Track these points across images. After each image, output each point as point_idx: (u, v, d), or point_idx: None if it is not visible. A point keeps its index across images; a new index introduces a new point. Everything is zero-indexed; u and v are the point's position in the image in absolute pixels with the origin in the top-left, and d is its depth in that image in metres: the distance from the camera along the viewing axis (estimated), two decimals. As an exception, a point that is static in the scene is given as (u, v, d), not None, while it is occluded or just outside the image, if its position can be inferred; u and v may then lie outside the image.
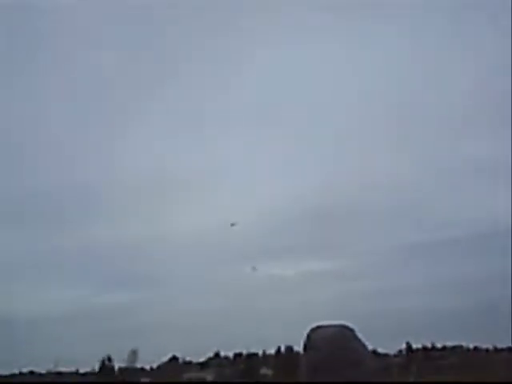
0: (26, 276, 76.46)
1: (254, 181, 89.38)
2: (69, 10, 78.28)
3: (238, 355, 78.79)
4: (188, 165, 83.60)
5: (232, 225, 51.65)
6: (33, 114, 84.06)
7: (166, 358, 78.07)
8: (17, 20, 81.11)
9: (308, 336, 1.66)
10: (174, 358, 78.71)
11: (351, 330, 1.66)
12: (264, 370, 71.55)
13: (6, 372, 72.37)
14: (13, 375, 74.37)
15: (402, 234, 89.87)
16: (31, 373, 77.25)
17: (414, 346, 75.63)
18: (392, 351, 73.95)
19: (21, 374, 76.36)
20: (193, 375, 71.88)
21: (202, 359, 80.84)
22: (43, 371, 75.08)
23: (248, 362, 73.72)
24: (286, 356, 72.65)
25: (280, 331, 72.25)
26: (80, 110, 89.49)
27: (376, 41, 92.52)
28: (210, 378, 71.26)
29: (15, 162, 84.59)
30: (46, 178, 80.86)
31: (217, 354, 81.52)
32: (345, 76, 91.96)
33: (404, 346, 75.50)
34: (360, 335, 1.61)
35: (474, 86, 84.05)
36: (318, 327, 1.65)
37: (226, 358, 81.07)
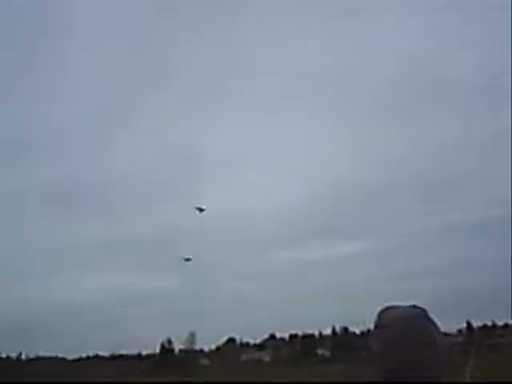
0: (83, 264, 79.44)
1: (282, 164, 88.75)
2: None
3: (293, 336, 79.38)
4: (217, 150, 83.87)
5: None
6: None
7: (223, 340, 79.75)
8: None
9: (379, 316, 1.67)
10: (231, 340, 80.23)
11: (423, 310, 1.67)
12: (321, 351, 71.87)
13: (71, 356, 75.98)
14: (79, 359, 77.88)
15: (441, 212, 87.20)
16: (95, 356, 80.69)
17: (475, 325, 74.04)
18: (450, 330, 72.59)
19: (87, 358, 79.91)
20: (250, 356, 73.08)
21: (258, 341, 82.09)
22: (107, 354, 78.47)
23: (304, 342, 74.21)
24: (341, 336, 72.70)
25: (331, 312, 72.19)
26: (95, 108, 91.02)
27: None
28: (266, 359, 72.26)
29: (62, 156, 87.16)
30: (90, 170, 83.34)
31: (273, 336, 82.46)
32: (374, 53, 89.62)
33: (464, 324, 73.98)
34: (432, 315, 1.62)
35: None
36: (389, 307, 1.66)
37: (282, 339, 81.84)
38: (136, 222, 76.97)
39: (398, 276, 76.04)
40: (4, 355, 66.80)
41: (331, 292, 75.64)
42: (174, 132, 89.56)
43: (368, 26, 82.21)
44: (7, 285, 78.42)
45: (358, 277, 76.94)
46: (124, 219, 78.01)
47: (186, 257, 51.42)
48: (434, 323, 1.62)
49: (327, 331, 76.18)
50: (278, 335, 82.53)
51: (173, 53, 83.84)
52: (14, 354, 68.86)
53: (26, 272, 79.08)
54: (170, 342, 72.21)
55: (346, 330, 73.57)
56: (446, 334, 67.33)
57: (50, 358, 70.78)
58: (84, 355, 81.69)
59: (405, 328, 1.56)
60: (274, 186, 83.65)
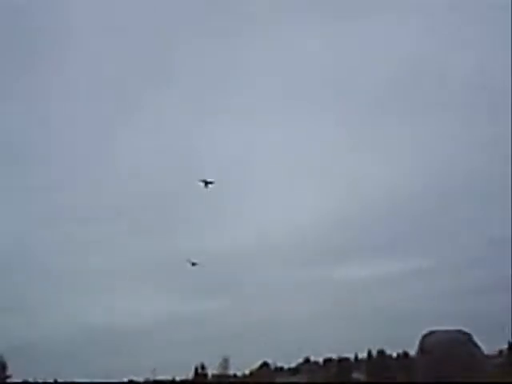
0: (117, 287, 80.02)
1: (321, 178, 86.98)
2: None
3: (328, 360, 78.03)
4: (245, 167, 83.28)
5: (193, 264, 50.75)
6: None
7: (257, 365, 78.87)
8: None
9: (422, 340, 1.70)
10: (265, 364, 79.33)
11: (467, 335, 1.69)
12: (356, 374, 70.36)
13: (106, 381, 76.04)
14: (113, 384, 77.85)
15: (490, 227, 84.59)
16: (131, 382, 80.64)
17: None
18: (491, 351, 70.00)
19: (121, 383, 79.89)
20: (284, 381, 72.00)
21: (293, 365, 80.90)
22: (142, 380, 78.29)
23: (339, 366, 72.83)
24: (377, 359, 71.07)
25: (368, 334, 70.59)
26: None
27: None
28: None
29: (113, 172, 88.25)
30: (133, 189, 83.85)
31: (307, 360, 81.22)
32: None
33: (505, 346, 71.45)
34: (476, 339, 1.64)
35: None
36: (432, 332, 1.69)
37: (317, 363, 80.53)
38: (166, 243, 77.25)
39: (439, 295, 74.04)
40: (40, 380, 67.39)
41: (368, 313, 73.88)
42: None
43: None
44: (45, 308, 79.51)
45: (397, 296, 74.95)
46: (155, 241, 78.51)
47: (193, 261, 51.40)
48: (478, 347, 1.65)
49: (363, 354, 74.70)
50: (312, 359, 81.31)
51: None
52: (50, 380, 69.43)
53: (60, 295, 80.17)
54: (203, 367, 71.90)
55: (382, 352, 71.93)
56: (486, 356, 64.85)
57: (85, 384, 70.87)
58: (119, 380, 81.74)
59: (448, 354, 1.59)
60: (301, 199, 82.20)
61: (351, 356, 76.71)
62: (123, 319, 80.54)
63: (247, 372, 79.29)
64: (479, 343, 1.69)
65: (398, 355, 69.64)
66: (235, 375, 77.46)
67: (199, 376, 71.51)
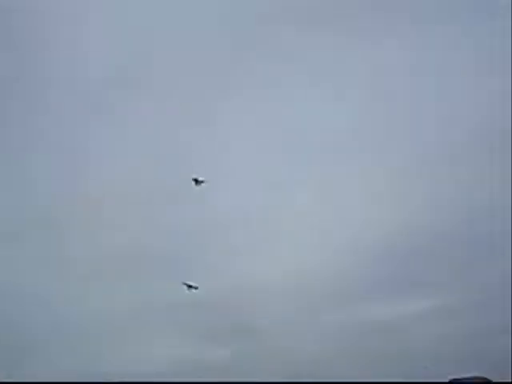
0: (128, 333, 76.29)
1: (335, 216, 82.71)
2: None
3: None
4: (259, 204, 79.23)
5: (189, 287, 47.91)
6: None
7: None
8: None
9: None
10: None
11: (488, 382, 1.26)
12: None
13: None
14: None
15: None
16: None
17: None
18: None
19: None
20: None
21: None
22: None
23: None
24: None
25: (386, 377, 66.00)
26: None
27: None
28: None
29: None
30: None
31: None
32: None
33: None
34: None
35: None
36: (456, 380, 1.24)
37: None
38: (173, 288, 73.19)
39: (461, 335, 69.23)
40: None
41: (388, 357, 69.15)
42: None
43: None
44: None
45: (418, 338, 70.02)
46: (163, 279, 74.43)
47: (189, 283, 48.68)
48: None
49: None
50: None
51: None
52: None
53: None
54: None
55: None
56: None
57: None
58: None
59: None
60: (321, 237, 77.94)
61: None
62: (133, 367, 76.14)
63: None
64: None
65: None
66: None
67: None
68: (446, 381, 54.59)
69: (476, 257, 71.29)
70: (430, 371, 54.86)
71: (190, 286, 48.98)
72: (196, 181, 43.80)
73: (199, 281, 63.00)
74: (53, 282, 73.26)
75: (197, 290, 51.01)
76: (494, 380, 54.37)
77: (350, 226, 78.22)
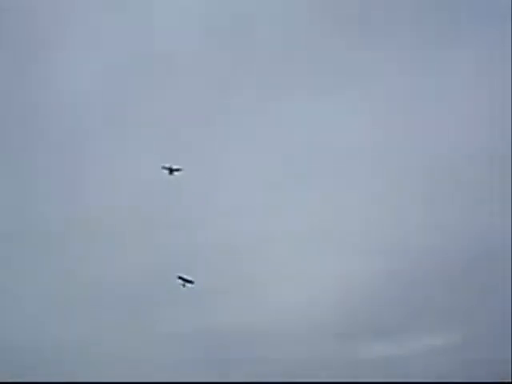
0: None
1: (343, 251, 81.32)
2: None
3: None
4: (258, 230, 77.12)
5: (184, 281, 47.53)
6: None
7: None
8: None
9: None
10: None
11: None
12: None
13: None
14: None
15: None
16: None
17: None
18: None
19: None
20: None
21: None
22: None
23: None
24: None
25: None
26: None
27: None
28: None
29: None
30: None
31: None
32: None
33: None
34: None
35: None
36: None
37: None
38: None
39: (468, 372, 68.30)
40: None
41: None
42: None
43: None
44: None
45: (423, 375, 69.09)
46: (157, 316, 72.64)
47: (184, 277, 48.17)
48: None
49: None
50: None
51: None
52: None
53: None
54: None
55: None
56: None
57: None
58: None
59: None
60: (321, 275, 76.55)
61: None
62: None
63: None
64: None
65: None
66: None
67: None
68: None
69: (483, 286, 70.26)
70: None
71: (185, 281, 48.44)
72: (170, 170, 43.86)
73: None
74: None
75: (193, 285, 50.39)
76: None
77: (350, 265, 76.75)
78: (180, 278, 48.41)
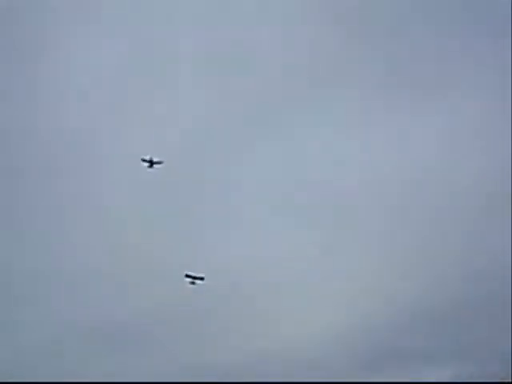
0: None
1: (352, 282, 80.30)
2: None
3: None
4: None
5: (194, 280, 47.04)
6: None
7: None
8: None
9: None
10: None
11: None
12: None
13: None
14: None
15: None
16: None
17: None
18: None
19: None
20: None
21: None
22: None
23: None
24: None
25: None
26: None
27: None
28: None
29: None
30: None
31: None
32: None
33: None
34: None
35: None
36: None
37: None
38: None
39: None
40: None
41: None
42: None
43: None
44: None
45: None
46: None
47: (193, 274, 46.90)
48: None
49: None
50: None
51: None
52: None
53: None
54: None
55: None
56: None
57: None
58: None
59: None
60: (330, 306, 75.62)
61: None
62: None
63: None
64: None
65: None
66: None
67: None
68: None
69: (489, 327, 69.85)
70: None
71: (194, 278, 47.56)
72: (150, 162, 44.27)
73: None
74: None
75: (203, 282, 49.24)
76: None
77: (359, 293, 75.83)
78: (188, 276, 46.80)
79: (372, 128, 77.35)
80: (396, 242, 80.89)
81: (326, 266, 79.70)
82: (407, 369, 74.47)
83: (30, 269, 66.19)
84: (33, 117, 78.09)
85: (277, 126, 77.23)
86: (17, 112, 77.92)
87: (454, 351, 74.70)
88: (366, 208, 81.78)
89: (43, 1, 78.14)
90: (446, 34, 78.27)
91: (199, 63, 76.32)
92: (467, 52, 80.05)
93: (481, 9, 77.73)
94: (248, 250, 73.44)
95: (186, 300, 58.68)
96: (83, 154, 72.49)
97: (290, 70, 79.46)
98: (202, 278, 48.05)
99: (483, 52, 78.67)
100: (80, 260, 69.28)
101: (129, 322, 63.35)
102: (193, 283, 47.62)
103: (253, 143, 75.71)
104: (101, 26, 77.10)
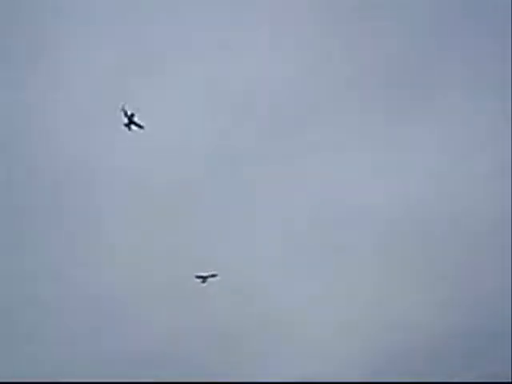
0: None
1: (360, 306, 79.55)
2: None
3: None
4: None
5: (203, 278, 46.41)
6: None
7: None
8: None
9: None
10: None
11: None
12: None
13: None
14: None
15: None
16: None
17: None
18: None
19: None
20: None
21: None
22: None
23: None
24: None
25: None
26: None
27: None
28: None
29: None
30: None
31: None
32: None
33: None
34: None
35: None
36: None
37: None
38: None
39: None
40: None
41: None
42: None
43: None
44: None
45: None
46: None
47: (203, 274, 46.63)
48: None
49: None
50: None
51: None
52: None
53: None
54: None
55: None
56: None
57: None
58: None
59: None
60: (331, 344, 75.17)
61: None
62: None
63: None
64: None
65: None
66: None
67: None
68: None
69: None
70: None
71: (205, 277, 47.32)
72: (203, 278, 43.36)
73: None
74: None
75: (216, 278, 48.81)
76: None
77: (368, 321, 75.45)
78: (198, 277, 46.49)
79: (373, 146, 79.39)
80: (394, 263, 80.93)
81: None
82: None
83: (30, 269, 67.36)
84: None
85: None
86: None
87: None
88: (367, 229, 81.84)
89: (43, 1, 78.86)
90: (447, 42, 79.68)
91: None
92: (467, 52, 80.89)
93: (481, 9, 78.43)
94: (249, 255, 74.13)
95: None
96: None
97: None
98: (214, 276, 47.84)
99: (483, 52, 79.36)
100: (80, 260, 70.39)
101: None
102: (204, 282, 47.29)
103: (265, 161, 77.60)
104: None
